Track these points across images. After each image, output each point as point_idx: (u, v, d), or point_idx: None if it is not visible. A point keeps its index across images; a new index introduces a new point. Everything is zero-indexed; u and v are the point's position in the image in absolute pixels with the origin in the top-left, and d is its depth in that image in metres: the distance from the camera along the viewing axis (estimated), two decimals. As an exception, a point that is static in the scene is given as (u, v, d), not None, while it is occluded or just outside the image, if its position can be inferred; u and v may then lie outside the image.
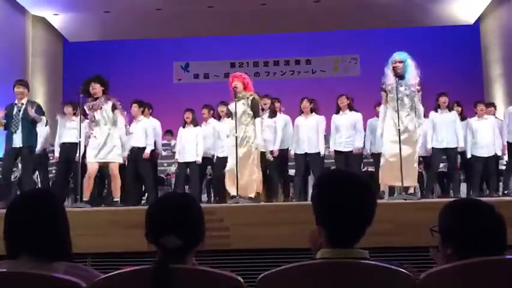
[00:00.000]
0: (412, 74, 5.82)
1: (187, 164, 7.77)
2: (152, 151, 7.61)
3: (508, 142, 7.47)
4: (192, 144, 7.69)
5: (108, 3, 11.04)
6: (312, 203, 1.73)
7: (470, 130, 7.50)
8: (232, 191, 6.05)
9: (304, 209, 4.16)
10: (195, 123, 7.85)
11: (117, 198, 6.38)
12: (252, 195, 6.01)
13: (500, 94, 11.22)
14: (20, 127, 6.46)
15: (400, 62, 5.80)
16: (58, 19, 11.92)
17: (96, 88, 6.22)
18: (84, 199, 6.12)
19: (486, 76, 12.08)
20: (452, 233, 1.74)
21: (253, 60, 13.13)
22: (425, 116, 6.84)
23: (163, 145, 8.97)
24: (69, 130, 7.52)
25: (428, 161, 7.44)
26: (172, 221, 1.69)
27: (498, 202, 4.37)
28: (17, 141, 6.46)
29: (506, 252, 1.69)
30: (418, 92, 5.86)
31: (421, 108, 5.95)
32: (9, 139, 6.51)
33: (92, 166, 6.18)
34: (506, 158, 7.72)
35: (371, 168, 8.05)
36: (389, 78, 5.86)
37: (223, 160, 6.76)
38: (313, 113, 7.51)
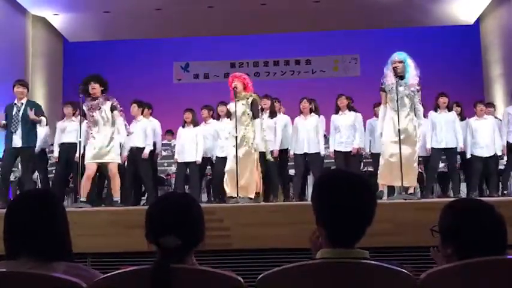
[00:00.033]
0: (412, 74, 5.82)
1: (186, 164, 7.77)
2: (151, 151, 7.61)
3: (507, 142, 7.47)
4: (191, 144, 7.69)
5: (108, 3, 11.04)
6: (312, 203, 1.73)
7: (470, 130, 7.50)
8: (230, 192, 6.05)
9: (304, 209, 4.16)
10: (195, 123, 7.85)
11: (117, 198, 6.38)
12: (252, 195, 6.01)
13: (500, 94, 11.22)
14: (19, 127, 6.46)
15: (399, 62, 5.80)
16: (58, 19, 11.92)
17: (96, 88, 6.22)
18: (82, 199, 6.13)
19: (486, 76, 12.08)
20: (452, 233, 1.75)
21: (253, 60, 13.13)
22: (425, 116, 6.84)
23: (163, 145, 8.97)
24: (68, 130, 7.52)
25: (427, 161, 7.44)
26: (172, 221, 1.69)
27: (498, 202, 4.37)
28: (17, 141, 6.46)
29: (506, 252, 1.69)
30: (418, 92, 5.86)
31: (420, 109, 5.95)
32: (8, 139, 6.50)
33: (91, 167, 6.17)
34: (506, 158, 7.72)
35: (371, 168, 8.06)
36: (389, 79, 5.86)
37: (223, 160, 6.76)
38: (312, 113, 7.51)
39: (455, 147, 7.31)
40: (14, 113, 6.52)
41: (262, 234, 4.42)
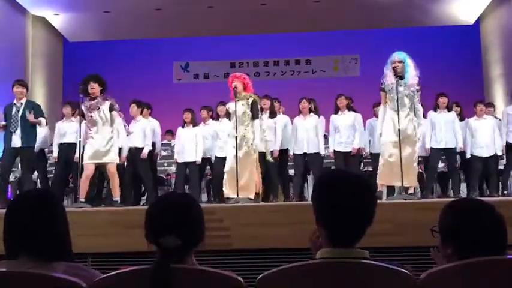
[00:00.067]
0: (412, 74, 5.81)
1: (186, 164, 7.76)
2: (151, 151, 7.60)
3: (506, 142, 7.47)
4: (191, 144, 7.69)
5: (108, 3, 11.04)
6: (312, 203, 1.73)
7: (470, 130, 7.51)
8: (229, 193, 6.05)
9: (304, 209, 4.16)
10: (194, 123, 7.84)
11: (116, 198, 6.38)
12: (252, 195, 6.01)
13: (500, 94, 11.22)
14: (18, 127, 6.45)
15: (399, 62, 5.80)
16: (58, 19, 11.92)
17: (95, 88, 6.21)
18: (81, 200, 6.13)
19: (486, 76, 12.08)
20: (452, 233, 1.75)
21: (253, 60, 13.13)
22: (424, 116, 6.84)
23: (163, 145, 8.97)
24: (68, 130, 7.52)
25: (427, 161, 7.45)
26: (172, 221, 1.69)
27: (498, 202, 4.37)
28: (16, 141, 6.45)
29: (506, 252, 1.69)
30: (418, 92, 5.86)
31: (420, 109, 5.95)
32: (7, 139, 6.49)
33: (89, 167, 6.17)
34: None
35: (370, 169, 8.06)
36: (389, 78, 5.86)
37: (222, 160, 6.76)
38: (311, 113, 7.52)
39: (455, 147, 7.31)
40: (13, 113, 6.51)
41: (262, 234, 4.42)
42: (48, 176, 7.89)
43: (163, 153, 9.01)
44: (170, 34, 12.53)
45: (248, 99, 6.17)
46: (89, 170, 6.16)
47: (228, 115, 6.44)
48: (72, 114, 7.59)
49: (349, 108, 7.50)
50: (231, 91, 6.21)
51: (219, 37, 12.57)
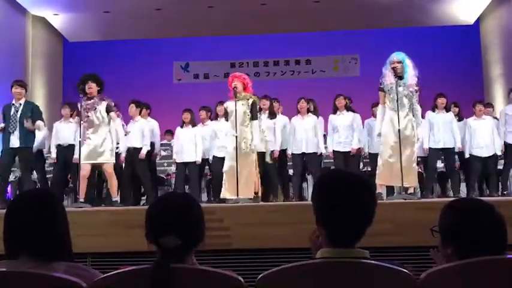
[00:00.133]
0: (410, 74, 5.82)
1: (185, 164, 7.76)
2: (149, 152, 7.59)
3: (504, 142, 7.48)
4: (190, 144, 7.68)
5: (108, 3, 11.04)
6: (312, 203, 1.73)
7: (469, 130, 7.51)
8: (226, 193, 6.04)
9: (304, 209, 4.17)
10: (194, 123, 7.84)
11: (115, 198, 6.38)
12: (251, 196, 6.01)
13: (500, 94, 11.22)
14: (17, 128, 6.43)
15: (398, 62, 5.81)
16: (58, 19, 11.91)
17: (92, 87, 6.21)
18: (81, 200, 6.13)
19: (486, 76, 12.08)
20: (452, 233, 1.75)
21: (253, 60, 13.12)
22: (422, 116, 6.84)
23: (163, 145, 8.97)
24: (65, 132, 7.51)
25: (427, 161, 7.46)
26: (172, 221, 1.69)
27: (498, 202, 4.37)
28: (14, 141, 6.43)
29: (506, 252, 1.69)
30: (416, 92, 5.86)
31: (418, 109, 5.95)
32: (6, 139, 6.47)
33: (85, 167, 6.17)
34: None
35: (370, 169, 8.06)
36: (388, 78, 5.86)
37: (221, 160, 6.76)
38: (310, 113, 7.52)
39: (453, 147, 7.33)
40: (12, 113, 6.49)
41: (262, 234, 4.42)
42: (47, 176, 7.89)
43: (163, 153, 9.01)
44: (170, 34, 12.53)
45: (248, 99, 6.17)
46: (85, 170, 6.16)
47: (226, 114, 6.43)
48: (71, 115, 7.58)
49: (348, 108, 7.51)
50: (230, 91, 6.21)
51: (219, 37, 12.57)
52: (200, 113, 8.12)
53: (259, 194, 6.30)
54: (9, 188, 7.62)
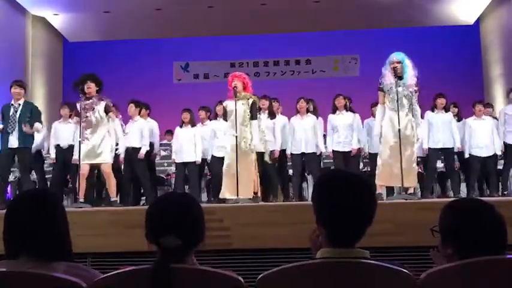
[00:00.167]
0: (410, 75, 5.82)
1: (185, 164, 7.75)
2: (148, 152, 7.58)
3: (504, 142, 7.48)
4: (189, 144, 7.67)
5: (108, 3, 11.04)
6: (312, 203, 1.73)
7: (468, 130, 7.52)
8: (227, 193, 6.04)
9: (304, 209, 4.17)
10: (193, 123, 7.83)
11: (114, 198, 6.38)
12: (250, 196, 6.01)
13: (500, 94, 11.22)
14: (16, 128, 6.42)
15: (398, 62, 5.81)
16: (58, 19, 11.91)
17: (91, 87, 6.20)
18: (81, 200, 6.14)
19: (486, 76, 12.08)
20: (452, 233, 1.75)
21: (253, 60, 13.12)
22: (421, 116, 6.84)
23: (163, 145, 8.97)
24: (64, 132, 7.51)
25: (426, 161, 7.46)
26: (172, 221, 1.69)
27: (498, 202, 4.37)
28: (13, 141, 6.42)
29: (506, 252, 1.69)
30: (416, 92, 5.86)
31: (418, 109, 5.96)
32: (4, 139, 6.45)
33: (84, 167, 6.18)
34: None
35: (369, 169, 8.05)
36: (387, 78, 5.86)
37: (220, 160, 6.76)
38: (309, 113, 7.51)
39: (452, 148, 7.32)
40: (11, 113, 6.47)
41: (262, 234, 4.42)
42: (46, 176, 7.89)
43: (163, 153, 9.01)
44: (170, 34, 12.53)
45: (248, 99, 6.17)
46: (84, 170, 6.17)
47: (225, 114, 6.42)
48: (70, 116, 7.58)
49: (347, 108, 7.51)
50: (230, 90, 6.21)
51: (219, 37, 12.57)
52: (199, 113, 8.12)
53: (259, 194, 6.30)
54: (9, 188, 7.62)
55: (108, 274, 1.61)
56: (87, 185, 6.47)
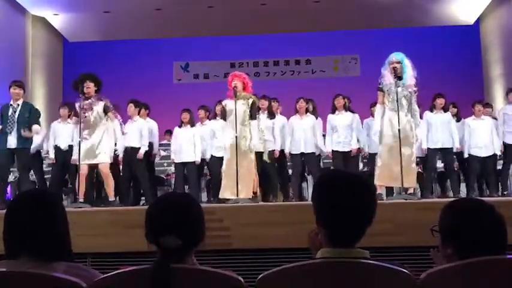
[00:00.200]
0: (409, 75, 5.83)
1: (184, 164, 7.75)
2: (147, 152, 7.57)
3: (503, 142, 7.49)
4: (188, 144, 7.66)
5: (108, 3, 11.04)
6: (312, 203, 1.73)
7: (468, 130, 7.52)
8: (226, 193, 6.04)
9: (304, 209, 4.17)
10: (192, 123, 7.83)
11: (112, 198, 6.38)
12: (249, 195, 6.01)
13: (500, 94, 11.20)
14: (14, 128, 6.41)
15: (397, 62, 5.81)
16: (58, 19, 11.91)
17: (90, 87, 6.20)
18: (81, 200, 6.14)
19: (486, 76, 12.08)
20: (452, 233, 1.74)
21: (253, 60, 13.12)
22: (420, 116, 6.84)
23: (163, 145, 8.96)
24: (63, 132, 7.50)
25: (426, 161, 7.46)
26: (172, 221, 1.69)
27: (498, 202, 4.37)
28: (11, 142, 6.40)
29: (506, 252, 1.69)
30: (415, 93, 5.87)
31: (417, 109, 5.96)
32: (3, 140, 6.43)
33: (83, 167, 6.18)
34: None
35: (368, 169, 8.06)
36: (387, 78, 5.87)
37: (220, 160, 6.75)
38: (308, 114, 7.51)
39: (451, 148, 7.32)
40: (9, 114, 6.47)
41: (262, 234, 4.42)
42: (45, 177, 7.88)
43: (163, 153, 9.00)
44: (170, 34, 12.53)
45: (248, 99, 6.17)
46: (83, 170, 6.19)
47: (224, 113, 6.41)
48: (69, 116, 7.57)
49: (347, 108, 7.51)
50: (230, 90, 6.21)
51: (219, 37, 12.57)
52: (199, 112, 8.11)
53: (258, 193, 6.31)
54: (8, 188, 7.62)
55: (108, 274, 1.61)
56: (87, 185, 6.47)
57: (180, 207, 1.74)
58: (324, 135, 7.71)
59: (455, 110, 7.88)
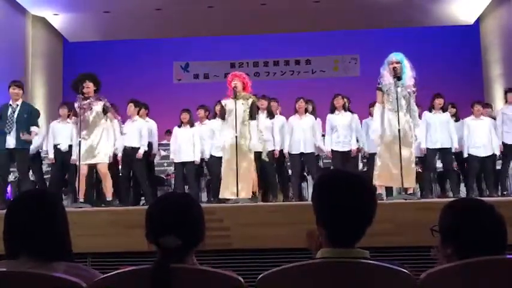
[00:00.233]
0: (408, 75, 5.84)
1: (183, 164, 7.74)
2: (146, 152, 7.57)
3: (503, 142, 7.49)
4: (188, 144, 7.66)
5: (108, 3, 11.04)
6: (312, 203, 1.73)
7: (467, 130, 7.52)
8: (226, 193, 6.04)
9: (304, 209, 4.17)
10: (192, 123, 7.83)
11: (109, 198, 6.39)
12: (249, 195, 6.01)
13: (500, 94, 11.15)
14: (14, 128, 6.41)
15: (397, 62, 5.81)
16: (58, 19, 11.92)
17: (90, 87, 6.21)
18: (81, 200, 6.14)
19: (486, 76, 12.08)
20: (452, 233, 1.74)
21: (253, 60, 13.13)
22: (419, 116, 6.84)
23: (163, 145, 8.95)
24: (63, 132, 7.51)
25: (425, 161, 7.46)
26: (172, 221, 1.69)
27: (498, 202, 4.38)
28: (10, 142, 6.41)
29: (506, 252, 1.69)
30: (414, 93, 5.87)
31: (416, 110, 5.96)
32: (2, 140, 6.42)
33: (83, 167, 6.19)
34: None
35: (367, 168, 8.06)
36: (386, 79, 5.87)
37: (219, 159, 6.75)
38: (307, 114, 7.51)
39: (450, 148, 7.33)
40: (8, 113, 6.47)
41: (262, 234, 4.42)
42: (44, 177, 7.88)
43: (163, 153, 9.00)
44: (170, 34, 12.53)
45: (248, 99, 6.18)
46: (82, 170, 6.20)
47: (223, 112, 6.41)
48: (68, 116, 7.57)
49: (346, 108, 7.51)
50: (229, 89, 6.21)
51: (219, 37, 12.57)
52: (198, 111, 8.10)
53: (257, 193, 6.31)
54: (9, 188, 7.62)
55: (108, 274, 1.61)
56: (87, 185, 6.47)
57: (180, 207, 1.74)
58: (323, 135, 7.72)
59: (454, 110, 7.89)
